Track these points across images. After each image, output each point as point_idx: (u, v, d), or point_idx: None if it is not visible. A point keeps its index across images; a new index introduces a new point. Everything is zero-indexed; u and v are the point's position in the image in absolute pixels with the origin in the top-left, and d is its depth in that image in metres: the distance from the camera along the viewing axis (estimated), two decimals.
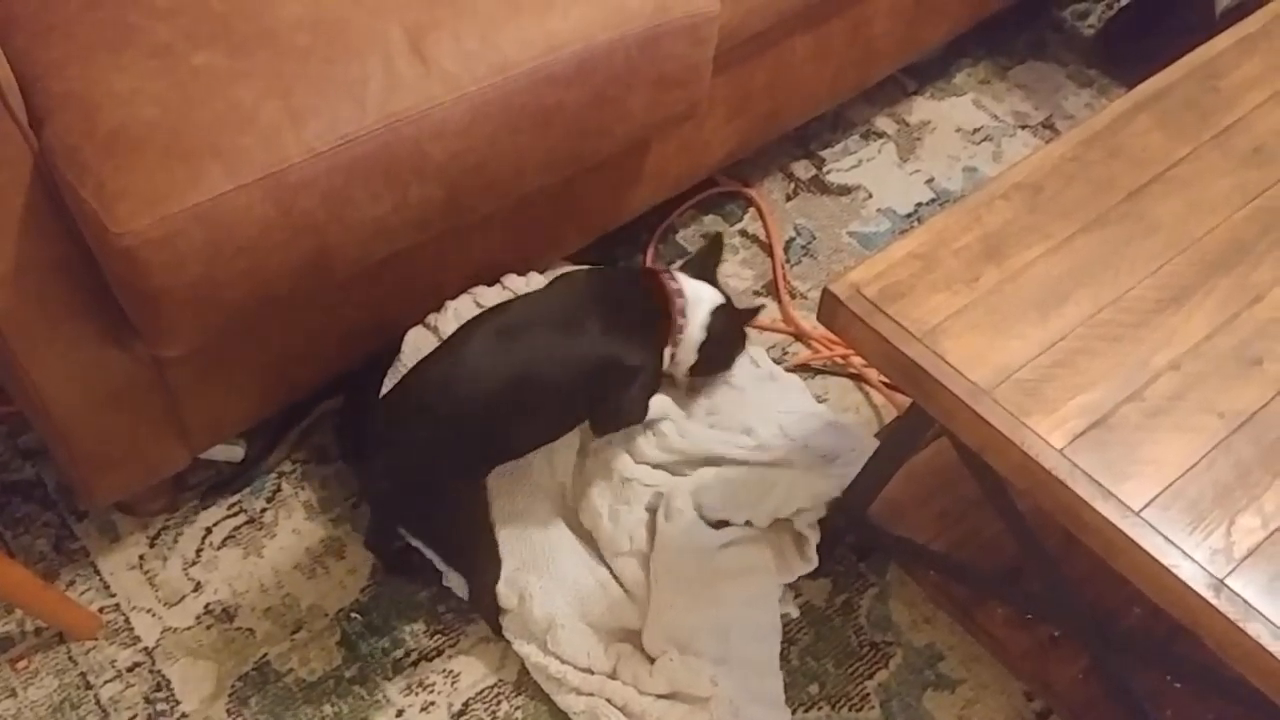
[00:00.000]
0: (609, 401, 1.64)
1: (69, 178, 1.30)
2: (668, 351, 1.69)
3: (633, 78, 1.60)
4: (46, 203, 1.34)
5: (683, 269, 1.77)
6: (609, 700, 1.56)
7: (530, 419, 1.61)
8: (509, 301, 1.71)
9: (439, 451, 1.57)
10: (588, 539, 1.71)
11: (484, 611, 1.66)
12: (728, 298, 1.75)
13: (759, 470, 1.73)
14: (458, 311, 1.77)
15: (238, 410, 1.70)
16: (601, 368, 1.60)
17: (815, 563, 1.68)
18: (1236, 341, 1.30)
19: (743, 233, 2.17)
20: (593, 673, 1.59)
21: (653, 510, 1.69)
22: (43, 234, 1.36)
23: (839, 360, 1.98)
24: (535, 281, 1.86)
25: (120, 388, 1.52)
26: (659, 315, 1.67)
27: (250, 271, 1.40)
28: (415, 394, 1.59)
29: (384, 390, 1.73)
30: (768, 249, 2.14)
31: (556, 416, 1.65)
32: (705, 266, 1.81)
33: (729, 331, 1.75)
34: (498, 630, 1.65)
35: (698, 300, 1.69)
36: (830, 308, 1.36)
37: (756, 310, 1.83)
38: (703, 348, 1.70)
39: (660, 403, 1.73)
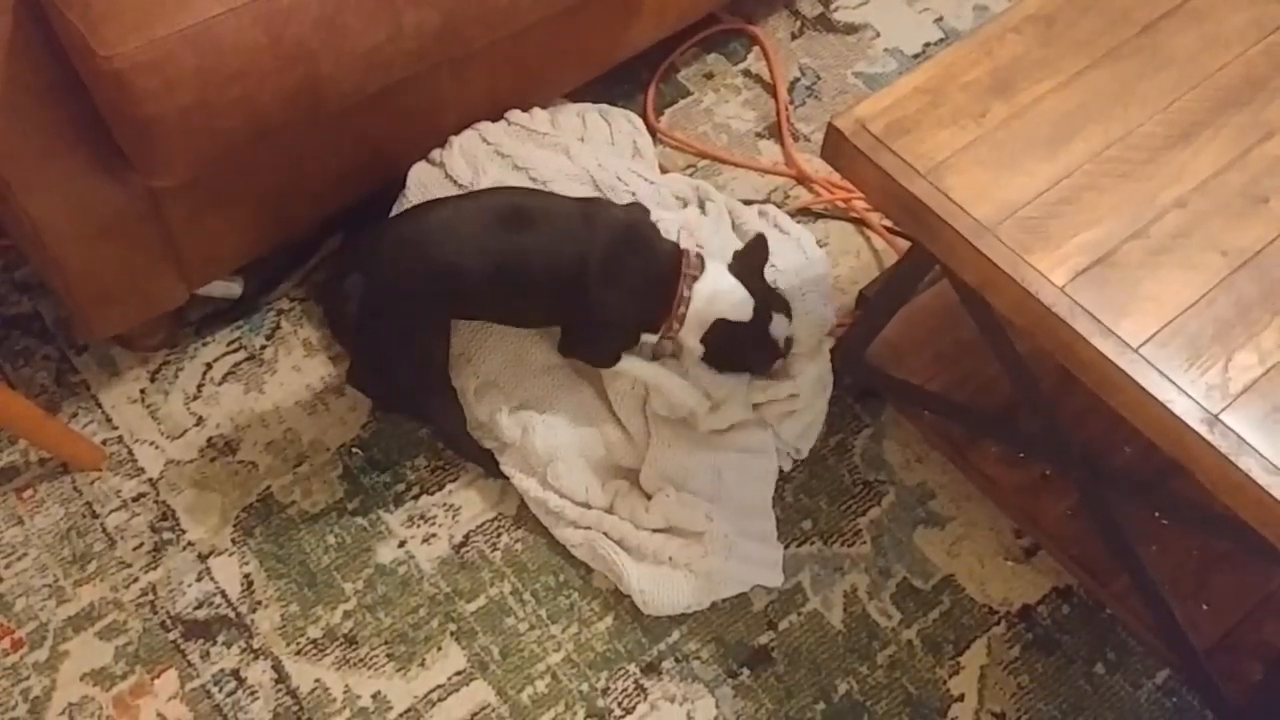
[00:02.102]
0: (580, 331, 1.61)
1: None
2: (651, 337, 1.62)
3: None
4: (33, 27, 1.31)
5: (735, 259, 1.62)
6: (606, 534, 1.59)
7: (506, 301, 1.58)
8: (539, 191, 1.66)
9: (416, 294, 1.54)
10: (588, 381, 1.72)
11: (467, 455, 1.69)
12: (761, 307, 1.58)
13: None
14: (463, 147, 1.75)
15: (235, 245, 1.69)
16: (582, 301, 1.54)
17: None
18: (1245, 179, 1.29)
19: (745, 72, 2.12)
20: (590, 507, 1.62)
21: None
22: (30, 60, 1.32)
23: (840, 204, 1.96)
24: (539, 117, 1.83)
25: (115, 220, 1.50)
26: (660, 298, 1.56)
27: (242, 100, 1.37)
28: (411, 233, 1.56)
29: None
30: (771, 89, 2.10)
31: (529, 312, 1.62)
32: (748, 267, 1.62)
33: (734, 345, 1.60)
34: (490, 468, 1.67)
35: (700, 309, 1.56)
36: (834, 143, 1.34)
37: (777, 347, 1.63)
38: (706, 355, 1.61)
39: (632, 365, 1.64)
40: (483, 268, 1.52)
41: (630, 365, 1.62)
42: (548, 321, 1.65)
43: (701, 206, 1.85)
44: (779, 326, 1.60)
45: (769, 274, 1.65)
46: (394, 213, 1.72)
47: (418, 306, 1.56)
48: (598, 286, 1.53)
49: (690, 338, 1.59)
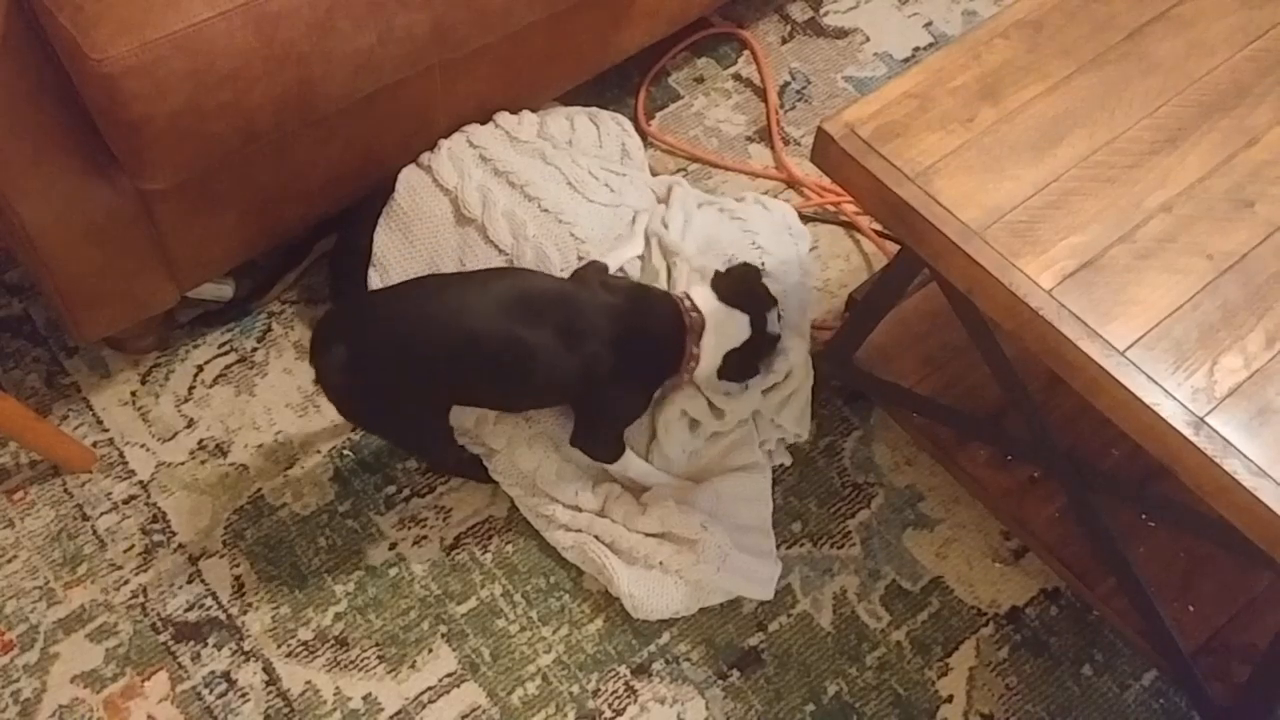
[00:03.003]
0: (584, 424, 1.59)
1: (46, 1, 1.26)
2: (669, 382, 1.62)
3: None
4: (24, 30, 1.31)
5: (714, 286, 1.60)
6: (597, 537, 1.60)
7: (501, 387, 1.53)
8: (536, 274, 1.62)
9: (403, 376, 1.47)
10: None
11: (454, 472, 1.68)
12: (757, 318, 1.58)
13: None
14: (451, 151, 1.75)
15: (225, 247, 1.69)
16: (587, 384, 1.52)
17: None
18: (1230, 184, 1.30)
19: (736, 76, 2.13)
20: (581, 510, 1.62)
21: None
22: (21, 63, 1.33)
23: (830, 207, 1.97)
24: (528, 120, 1.83)
25: (105, 221, 1.50)
26: (668, 365, 1.58)
27: (233, 103, 1.38)
28: (402, 315, 1.49)
29: (376, 230, 1.72)
30: (761, 93, 2.11)
31: (526, 397, 1.59)
32: (736, 285, 1.61)
33: (745, 363, 1.60)
34: (480, 478, 1.67)
35: (710, 360, 1.57)
36: (823, 147, 1.35)
37: (775, 339, 1.64)
38: (720, 376, 1.59)
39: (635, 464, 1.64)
40: (489, 354, 1.47)
41: (630, 465, 1.62)
42: (551, 401, 1.63)
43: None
44: (774, 321, 1.61)
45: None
46: (381, 218, 1.72)
47: (412, 386, 1.49)
48: (610, 383, 1.53)
49: (702, 378, 1.60)
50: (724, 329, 1.56)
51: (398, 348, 1.46)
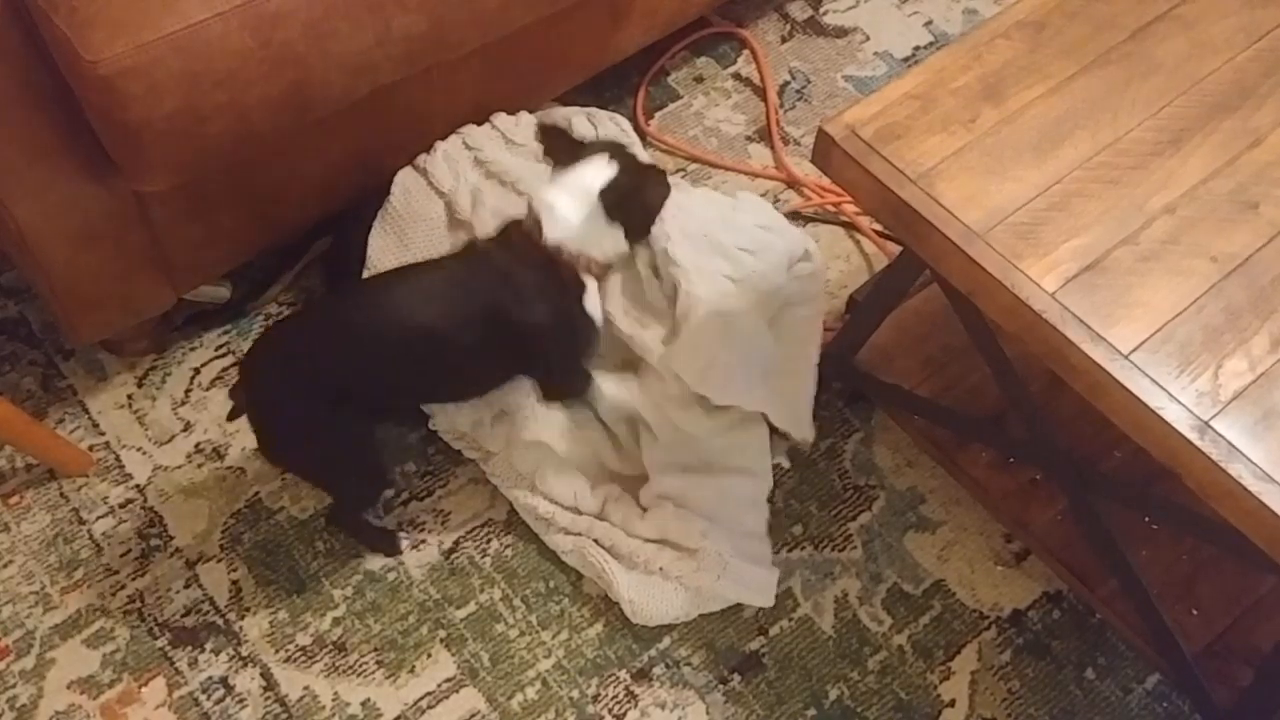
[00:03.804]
0: (540, 370, 1.56)
1: (40, 3, 1.25)
2: (589, 297, 1.51)
3: None
4: (19, 32, 1.30)
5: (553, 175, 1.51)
6: (596, 540, 1.59)
7: (436, 375, 1.51)
8: (423, 265, 1.57)
9: (326, 385, 1.43)
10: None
11: (346, 528, 1.62)
12: (614, 154, 1.49)
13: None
14: (447, 153, 1.74)
15: (222, 250, 1.68)
16: (505, 332, 1.47)
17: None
18: (1234, 185, 1.29)
19: (736, 76, 2.12)
20: (580, 513, 1.61)
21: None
22: (16, 65, 1.32)
23: (831, 208, 1.96)
24: (525, 121, 1.82)
25: (101, 224, 1.49)
26: (550, 267, 1.47)
27: (230, 105, 1.37)
28: (317, 327, 1.48)
29: (371, 233, 1.71)
30: (761, 93, 2.10)
31: (471, 378, 1.55)
32: (564, 147, 1.53)
33: (628, 197, 1.49)
34: (389, 550, 1.62)
35: (557, 202, 1.47)
36: (824, 149, 1.34)
37: (654, 169, 1.54)
38: (611, 221, 1.48)
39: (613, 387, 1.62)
40: (411, 347, 1.45)
41: (608, 388, 1.61)
42: (500, 375, 1.58)
43: None
44: (637, 149, 1.52)
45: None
46: (376, 221, 1.71)
47: (330, 400, 1.44)
48: (504, 303, 1.46)
49: (604, 248, 1.49)
50: (568, 183, 1.46)
51: (309, 365, 1.44)
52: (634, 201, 1.49)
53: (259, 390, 1.46)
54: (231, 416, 1.56)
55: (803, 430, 1.68)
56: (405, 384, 1.52)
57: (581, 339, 1.55)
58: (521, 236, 1.49)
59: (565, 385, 1.61)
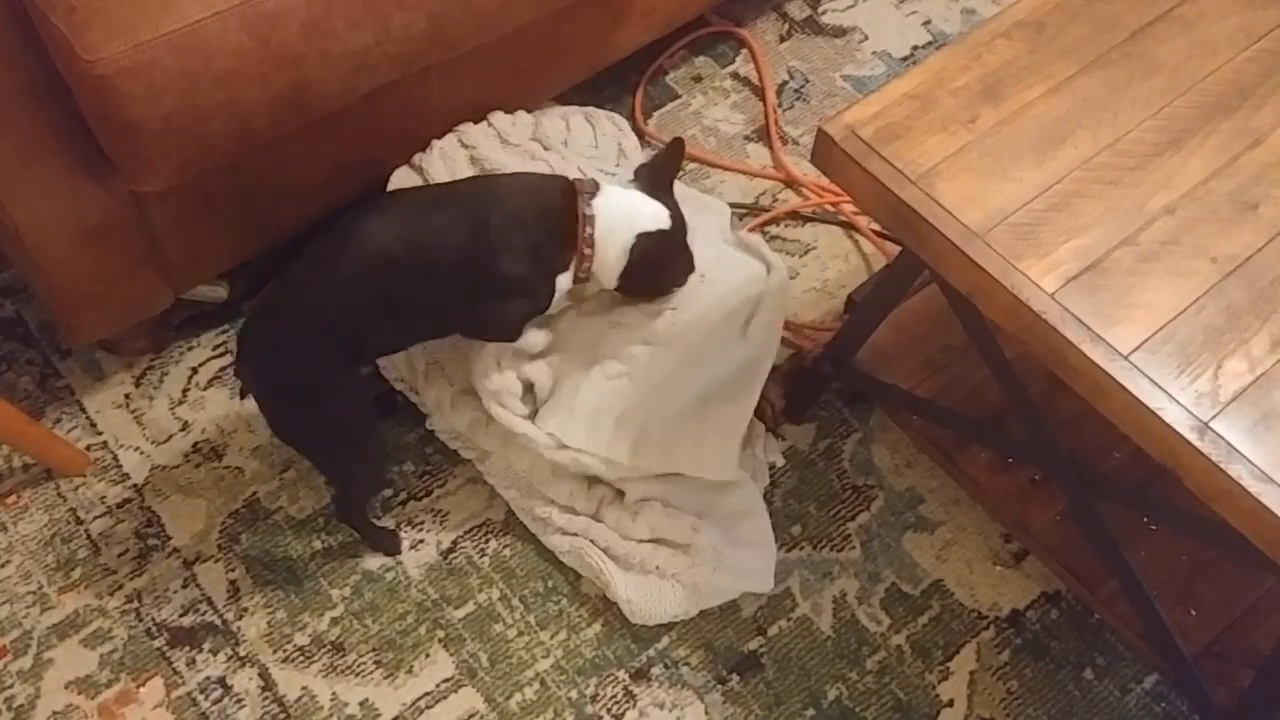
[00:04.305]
0: (479, 307, 1.50)
1: (39, 2, 1.25)
2: (564, 278, 1.50)
3: None
4: (17, 30, 1.29)
5: (637, 176, 1.55)
6: (593, 541, 1.58)
7: (408, 305, 1.48)
8: (429, 186, 1.58)
9: (315, 331, 1.44)
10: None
11: (353, 522, 1.59)
12: (677, 216, 1.52)
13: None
14: (443, 151, 1.74)
15: (220, 249, 1.67)
16: (477, 268, 1.45)
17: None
18: (1234, 186, 1.29)
19: (734, 75, 2.12)
20: (576, 513, 1.61)
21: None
22: (13, 64, 1.31)
23: (829, 208, 1.96)
24: (522, 121, 1.82)
25: (99, 224, 1.49)
26: (562, 237, 1.48)
27: (228, 105, 1.36)
28: (305, 267, 1.46)
29: None
30: (759, 92, 2.10)
31: (432, 308, 1.51)
32: (660, 176, 1.55)
33: (662, 259, 1.53)
34: (389, 549, 1.61)
35: (614, 229, 1.47)
36: (824, 149, 1.34)
37: (692, 258, 1.57)
38: (625, 274, 1.51)
39: (538, 338, 1.58)
40: (384, 263, 1.43)
41: (531, 340, 1.56)
42: (454, 310, 1.52)
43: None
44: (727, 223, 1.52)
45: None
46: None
47: (324, 340, 1.44)
48: (494, 244, 1.44)
49: (608, 270, 1.49)
50: (631, 201, 1.46)
51: (300, 303, 1.44)
52: (654, 267, 1.52)
53: (254, 358, 1.45)
54: (242, 395, 1.55)
55: (724, 473, 1.59)
56: (383, 315, 1.48)
57: (537, 304, 1.52)
58: (555, 193, 1.48)
59: (495, 331, 1.55)
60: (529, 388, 1.60)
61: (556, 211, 1.48)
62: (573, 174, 1.67)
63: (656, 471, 1.58)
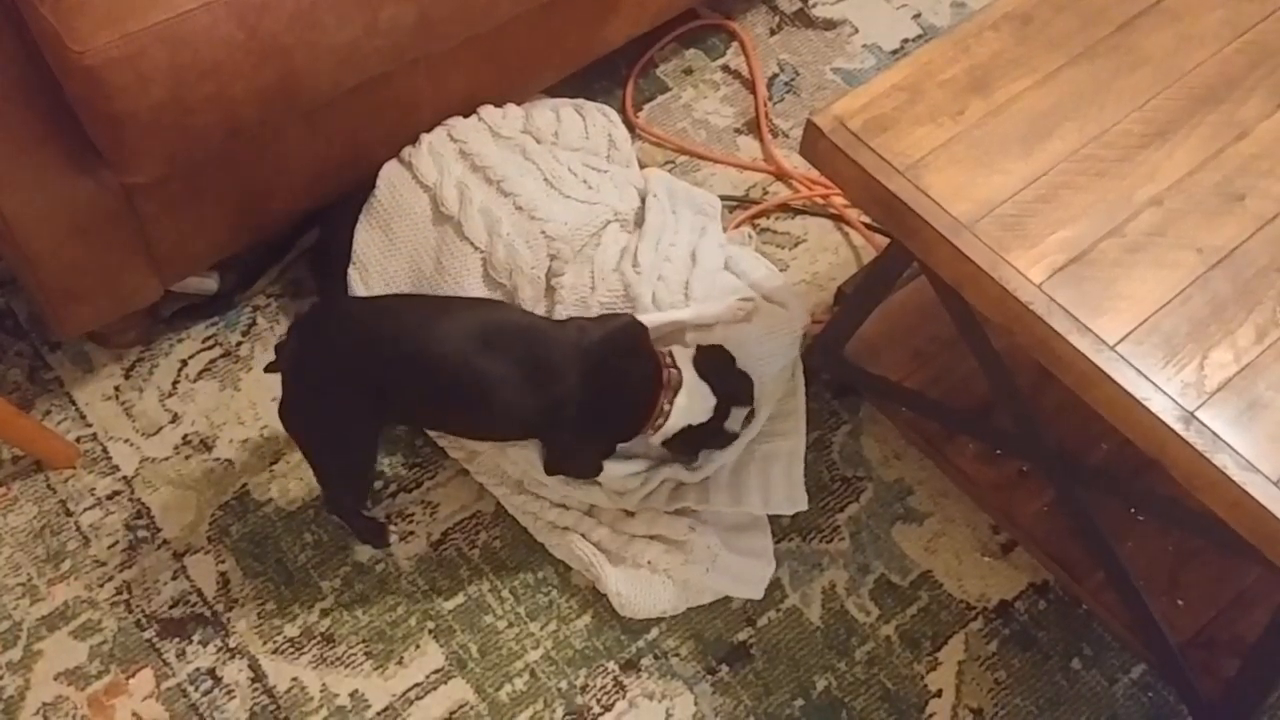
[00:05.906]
0: (562, 449, 1.55)
1: None
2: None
3: None
4: (5, 22, 1.29)
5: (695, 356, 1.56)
6: (584, 535, 1.59)
7: (456, 414, 1.52)
8: (515, 309, 1.60)
9: (357, 385, 1.44)
10: None
11: (342, 514, 1.61)
12: (722, 404, 1.54)
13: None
14: (432, 146, 1.73)
15: (209, 242, 1.67)
16: (550, 427, 1.51)
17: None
18: (1220, 177, 1.30)
19: (724, 68, 2.12)
20: (568, 508, 1.61)
21: None
22: (1, 55, 1.31)
23: (819, 200, 1.96)
24: (512, 114, 1.81)
25: (88, 216, 1.49)
26: (640, 417, 1.52)
27: (216, 96, 1.36)
28: (374, 325, 1.47)
29: (357, 228, 1.70)
30: (750, 85, 2.10)
31: (480, 427, 1.56)
32: (715, 364, 1.57)
33: (693, 442, 1.56)
34: (377, 542, 1.62)
35: (676, 423, 1.52)
36: (812, 140, 1.34)
37: (730, 436, 1.59)
38: (666, 445, 1.56)
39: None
40: (455, 380, 1.45)
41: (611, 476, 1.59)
42: (517, 433, 1.57)
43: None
44: (735, 419, 1.56)
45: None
46: (362, 214, 1.70)
47: (366, 400, 1.45)
48: (580, 420, 1.49)
49: (657, 440, 1.54)
50: (694, 402, 1.51)
51: (360, 356, 1.44)
52: (694, 444, 1.56)
53: (308, 360, 1.45)
54: (269, 369, 1.55)
55: (797, 505, 1.63)
56: (443, 413, 1.53)
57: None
58: (635, 360, 1.52)
59: (580, 471, 1.58)
60: None
61: (641, 402, 1.51)
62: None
63: (729, 510, 1.60)
